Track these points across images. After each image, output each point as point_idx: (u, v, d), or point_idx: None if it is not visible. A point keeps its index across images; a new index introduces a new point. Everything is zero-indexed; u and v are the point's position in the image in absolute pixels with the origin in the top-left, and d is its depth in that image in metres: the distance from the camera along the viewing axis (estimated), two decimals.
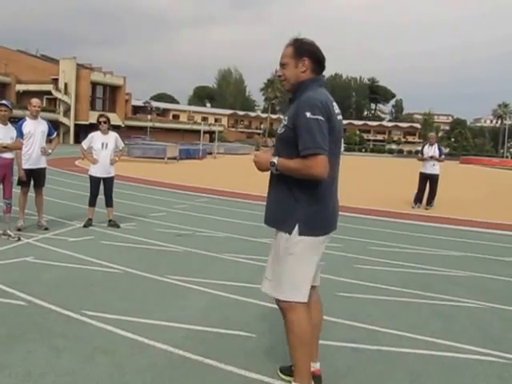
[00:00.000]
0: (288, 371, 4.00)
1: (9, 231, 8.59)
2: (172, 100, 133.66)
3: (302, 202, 3.48)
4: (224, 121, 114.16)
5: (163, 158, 35.29)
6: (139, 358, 4.30)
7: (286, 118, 3.55)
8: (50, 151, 9.72)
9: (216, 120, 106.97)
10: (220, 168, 33.67)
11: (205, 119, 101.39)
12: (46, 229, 9.42)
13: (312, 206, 3.50)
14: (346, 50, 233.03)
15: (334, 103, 3.67)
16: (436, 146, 16.10)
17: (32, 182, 9.55)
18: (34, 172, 9.43)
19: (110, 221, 10.21)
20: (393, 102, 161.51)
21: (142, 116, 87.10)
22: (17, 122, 9.26)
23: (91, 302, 5.61)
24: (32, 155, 9.32)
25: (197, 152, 43.57)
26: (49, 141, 9.85)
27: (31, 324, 4.88)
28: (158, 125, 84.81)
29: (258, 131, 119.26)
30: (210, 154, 49.47)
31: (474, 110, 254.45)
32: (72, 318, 5.11)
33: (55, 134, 10.05)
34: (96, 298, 5.82)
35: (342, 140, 3.81)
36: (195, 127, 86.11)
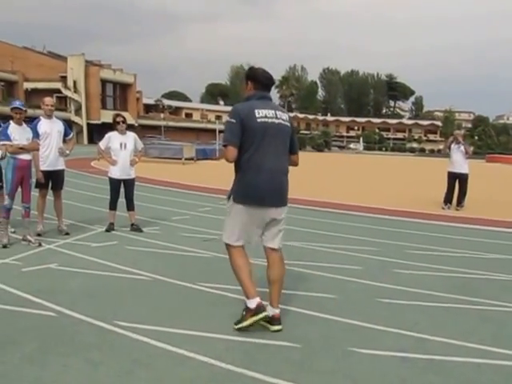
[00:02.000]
0: (241, 318, 5.25)
1: (29, 236, 8.58)
2: (184, 98, 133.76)
3: (236, 181, 5.25)
4: None
5: (180, 159, 35.35)
6: (180, 371, 4.25)
7: None
8: (67, 152, 9.70)
9: None
10: None
11: (218, 117, 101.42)
12: (67, 234, 9.41)
13: (239, 184, 5.23)
14: (361, 46, 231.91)
15: (263, 110, 5.16)
16: (463, 143, 16.09)
17: (50, 185, 9.55)
18: (52, 174, 9.44)
19: (132, 225, 10.20)
20: (412, 99, 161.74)
21: (154, 115, 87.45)
22: (31, 121, 9.23)
23: (123, 312, 5.57)
24: (49, 156, 9.32)
25: (213, 152, 43.54)
26: (64, 141, 9.80)
27: (63, 336, 4.84)
28: (171, 124, 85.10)
29: None
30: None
31: (496, 107, 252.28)
32: (105, 329, 5.06)
33: (71, 134, 10.05)
34: (127, 307, 5.79)
35: (280, 135, 5.25)
36: (209, 126, 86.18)
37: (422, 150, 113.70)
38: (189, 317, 5.56)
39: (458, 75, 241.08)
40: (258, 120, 5.07)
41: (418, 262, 8.52)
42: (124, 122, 10.19)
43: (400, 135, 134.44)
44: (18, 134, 8.39)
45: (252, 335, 5.08)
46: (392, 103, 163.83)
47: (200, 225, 11.17)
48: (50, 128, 9.36)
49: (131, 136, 10.33)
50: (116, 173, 10.12)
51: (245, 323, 5.14)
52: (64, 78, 71.27)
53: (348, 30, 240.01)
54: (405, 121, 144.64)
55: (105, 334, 4.93)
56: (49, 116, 9.48)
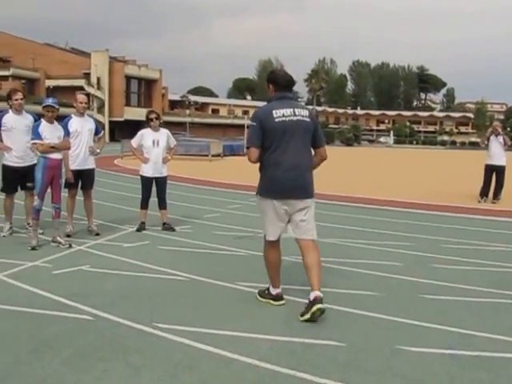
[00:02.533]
0: (263, 293, 6.12)
1: (59, 238, 8.58)
2: (210, 93, 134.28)
3: (260, 178, 5.86)
4: None
5: (207, 155, 35.35)
6: (226, 374, 4.20)
7: None
8: (98, 151, 9.70)
9: None
10: None
11: (246, 113, 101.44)
12: (97, 234, 9.41)
13: (262, 180, 5.84)
14: (393, 37, 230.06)
15: (281, 110, 5.70)
16: (502, 134, 16.06)
17: (80, 184, 9.56)
18: (82, 173, 9.42)
19: (164, 224, 10.17)
20: (444, 91, 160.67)
21: (179, 111, 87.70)
22: (61, 119, 9.21)
23: (161, 314, 5.52)
24: (80, 155, 9.31)
25: (241, 148, 43.48)
26: (94, 140, 9.80)
27: (102, 340, 4.80)
28: (197, 120, 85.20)
29: None
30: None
31: None
32: (144, 331, 5.02)
33: (102, 132, 10.03)
34: (165, 308, 5.75)
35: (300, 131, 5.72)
36: (236, 122, 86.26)
37: (454, 143, 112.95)
38: (229, 317, 5.52)
39: (491, 66, 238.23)
40: (276, 120, 5.62)
41: (454, 256, 8.56)
42: (157, 118, 10.17)
43: (431, 128, 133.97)
44: (49, 132, 8.35)
45: (296, 334, 5.03)
46: (423, 96, 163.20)
47: (231, 222, 11.16)
48: (81, 126, 9.35)
49: (164, 133, 10.31)
50: (148, 171, 10.09)
51: (263, 299, 6.04)
52: (87, 75, 71.73)
53: (379, 21, 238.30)
54: (436, 113, 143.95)
55: (144, 337, 4.88)
56: (81, 114, 9.48)
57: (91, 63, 71.75)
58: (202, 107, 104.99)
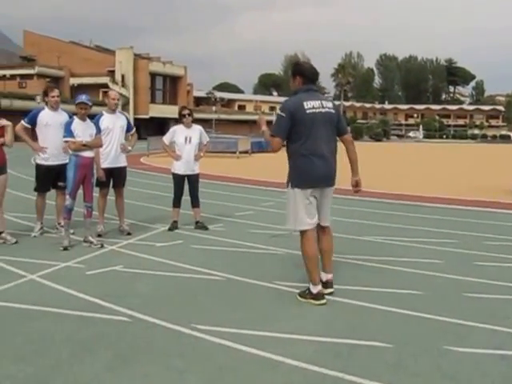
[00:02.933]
0: (303, 294, 6.06)
1: (90, 238, 8.56)
2: (236, 90, 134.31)
3: (292, 168, 6.06)
4: None
5: (234, 152, 35.22)
6: (272, 377, 4.14)
7: None
8: (129, 148, 9.67)
9: None
10: None
11: (272, 109, 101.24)
12: (129, 234, 9.38)
13: (295, 170, 6.02)
14: (420, 30, 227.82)
15: (310, 101, 5.93)
16: None
17: (111, 183, 9.55)
18: (113, 171, 9.39)
19: (197, 222, 10.10)
20: (473, 83, 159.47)
21: (205, 108, 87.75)
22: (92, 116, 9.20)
23: (199, 315, 5.46)
24: (111, 153, 9.29)
25: (269, 145, 43.32)
26: (126, 137, 9.80)
27: (140, 342, 4.75)
28: (223, 116, 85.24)
29: None
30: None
31: None
32: (183, 333, 4.95)
33: (134, 129, 10.01)
34: (203, 309, 5.69)
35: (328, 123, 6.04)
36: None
37: (484, 136, 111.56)
38: (269, 318, 5.44)
39: None
40: (308, 111, 5.88)
41: (498, 253, 8.44)
42: (190, 114, 10.10)
43: (461, 122, 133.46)
44: (82, 130, 8.33)
45: (340, 335, 4.96)
46: (451, 89, 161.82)
47: (265, 220, 11.06)
48: (113, 123, 9.34)
49: (197, 129, 10.26)
50: (180, 168, 10.03)
51: (303, 300, 5.99)
52: (111, 73, 72.12)
53: (407, 12, 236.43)
54: (465, 106, 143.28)
55: (184, 339, 4.82)
56: (113, 111, 9.48)
57: (116, 60, 72.11)
58: (228, 103, 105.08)
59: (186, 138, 9.98)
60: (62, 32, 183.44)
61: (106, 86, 69.70)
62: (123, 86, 71.17)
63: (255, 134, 61.77)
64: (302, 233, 6.04)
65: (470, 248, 8.75)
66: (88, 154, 8.43)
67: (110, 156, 9.29)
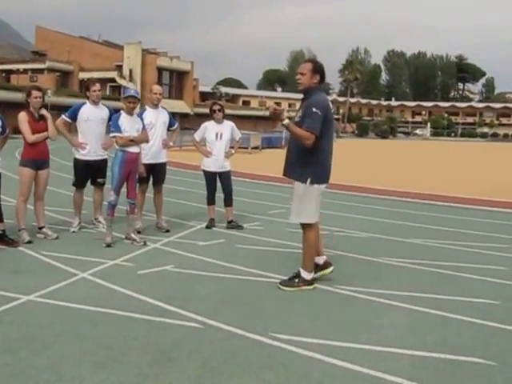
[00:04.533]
0: (290, 283, 6.29)
1: (133, 235, 8.27)
2: (240, 85, 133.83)
3: (312, 165, 6.12)
4: (298, 106, 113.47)
5: (247, 148, 34.89)
6: None
7: (301, 111, 6.18)
8: (171, 143, 9.40)
9: (290, 105, 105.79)
10: None
11: (277, 104, 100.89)
12: (167, 231, 9.10)
13: (316, 168, 6.15)
14: (430, 25, 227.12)
15: (330, 102, 6.32)
16: None
17: (152, 179, 9.27)
18: (154, 167, 9.11)
19: (229, 222, 9.78)
20: (483, 80, 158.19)
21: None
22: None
23: (274, 322, 5.16)
24: (152, 148, 8.99)
25: (279, 140, 43.16)
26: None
27: (223, 352, 4.43)
28: (228, 112, 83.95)
29: (336, 116, 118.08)
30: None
31: None
32: (264, 343, 4.64)
33: (176, 124, 9.75)
34: (274, 315, 5.39)
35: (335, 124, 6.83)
36: (268, 113, 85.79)
37: (495, 135, 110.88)
38: (352, 327, 5.15)
39: None
40: (331, 111, 6.29)
41: None
42: (221, 110, 9.78)
43: (470, 119, 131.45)
44: (129, 125, 8.06)
45: (430, 348, 4.64)
46: (460, 86, 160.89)
47: None
48: (156, 118, 9.06)
49: (228, 125, 9.94)
50: (210, 165, 9.74)
51: (292, 288, 6.20)
52: (119, 67, 71.93)
53: (416, 7, 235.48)
54: (475, 104, 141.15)
55: (268, 350, 4.51)
56: (155, 105, 9.19)
57: (124, 55, 71.90)
58: (232, 99, 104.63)
59: (216, 134, 9.68)
60: (72, 27, 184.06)
61: (113, 80, 69.60)
62: (131, 80, 70.88)
63: (258, 129, 61.67)
64: (311, 225, 6.30)
65: None
66: (134, 149, 8.15)
67: (152, 151, 8.99)
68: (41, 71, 68.68)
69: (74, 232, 8.82)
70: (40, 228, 8.38)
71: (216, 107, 9.77)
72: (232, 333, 4.85)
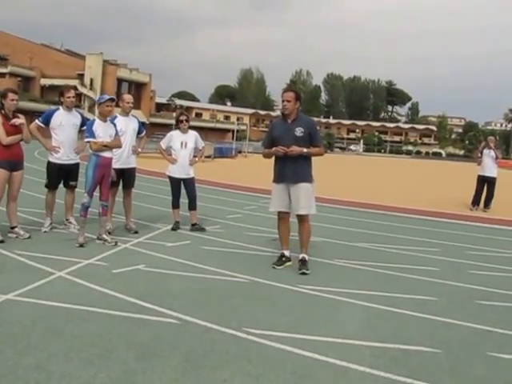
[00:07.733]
0: (280, 262, 7.36)
1: (105, 235, 8.15)
2: (193, 98, 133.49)
3: (310, 169, 7.33)
4: (246, 120, 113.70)
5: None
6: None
7: (302, 128, 7.17)
8: (140, 150, 9.32)
9: (238, 119, 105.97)
10: (258, 167, 33.09)
11: (227, 118, 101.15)
12: (136, 232, 8.99)
13: (311, 171, 7.34)
14: (363, 54, 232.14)
15: None
16: (494, 149, 16.20)
17: (121, 183, 9.16)
18: (124, 172, 9.03)
19: (193, 224, 9.71)
20: (409, 104, 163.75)
21: (165, 113, 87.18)
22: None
23: (246, 318, 5.15)
24: (123, 154, 8.89)
25: (229, 151, 43.29)
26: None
27: (203, 346, 4.39)
28: None
29: None
30: (240, 152, 49.30)
31: (484, 114, 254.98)
32: (239, 337, 4.64)
33: (144, 131, 9.64)
34: (247, 312, 5.38)
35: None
36: (219, 126, 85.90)
37: (419, 153, 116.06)
38: (313, 322, 5.22)
39: (452, 84, 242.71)
40: None
41: (484, 262, 8.48)
42: (187, 120, 9.76)
43: (397, 138, 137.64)
44: (103, 130, 7.96)
45: (386, 339, 4.81)
46: (390, 108, 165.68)
47: (256, 223, 10.83)
48: (126, 125, 8.98)
49: (193, 135, 9.92)
50: (175, 172, 9.69)
51: (283, 266, 7.34)
52: (81, 76, 71.02)
53: (352, 37, 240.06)
54: (401, 125, 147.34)
55: (244, 344, 4.50)
56: (126, 113, 9.12)
57: (85, 65, 71.11)
58: (186, 111, 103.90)
59: (181, 143, 9.66)
60: (32, 33, 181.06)
61: (75, 88, 68.22)
62: (91, 89, 70.15)
63: (209, 140, 61.48)
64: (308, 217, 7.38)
65: (455, 256, 8.77)
66: (108, 154, 8.06)
67: (122, 157, 8.89)
68: (2, 75, 67.23)
69: (45, 232, 8.61)
70: (12, 228, 8.12)
71: (183, 117, 9.75)
72: (208, 328, 4.82)
